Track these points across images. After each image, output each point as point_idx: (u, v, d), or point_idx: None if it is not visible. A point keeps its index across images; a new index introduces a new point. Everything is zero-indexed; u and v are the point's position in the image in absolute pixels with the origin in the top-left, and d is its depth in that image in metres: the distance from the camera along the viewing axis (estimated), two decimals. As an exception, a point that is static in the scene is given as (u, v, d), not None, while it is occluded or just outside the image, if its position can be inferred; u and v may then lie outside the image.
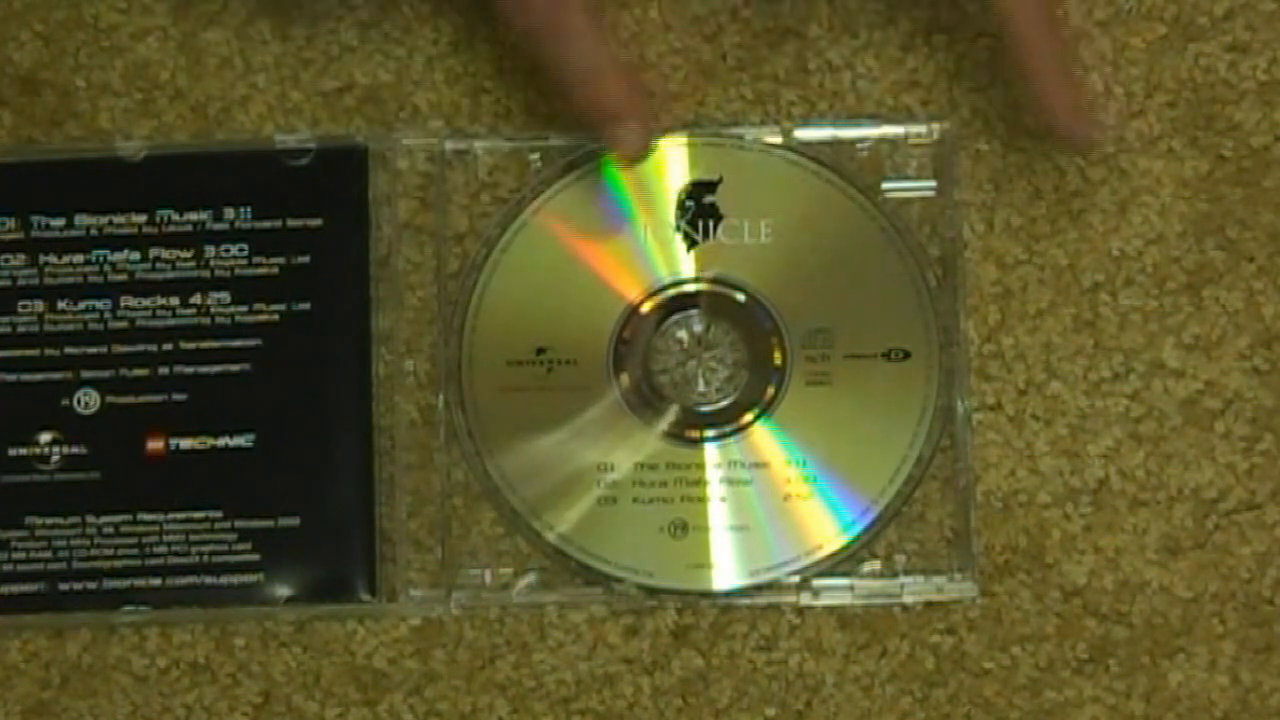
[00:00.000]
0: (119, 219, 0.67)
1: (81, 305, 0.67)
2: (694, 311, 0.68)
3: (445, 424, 0.67)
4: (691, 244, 0.67)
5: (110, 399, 0.67)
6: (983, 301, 0.68)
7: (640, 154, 0.65)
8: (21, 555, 0.66)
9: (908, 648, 0.67)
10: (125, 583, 0.66)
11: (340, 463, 0.67)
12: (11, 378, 0.67)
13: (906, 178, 0.68)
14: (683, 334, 0.68)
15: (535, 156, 0.68)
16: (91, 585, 0.66)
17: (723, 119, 0.69)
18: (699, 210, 0.67)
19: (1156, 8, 0.69)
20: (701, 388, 0.68)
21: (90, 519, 0.66)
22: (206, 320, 0.67)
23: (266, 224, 0.67)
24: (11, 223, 0.68)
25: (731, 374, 0.68)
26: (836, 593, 0.66)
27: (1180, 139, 0.68)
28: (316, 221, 0.68)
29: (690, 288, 0.67)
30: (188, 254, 0.67)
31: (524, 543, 0.67)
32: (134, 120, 0.69)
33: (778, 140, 0.68)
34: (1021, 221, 0.68)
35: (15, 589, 0.66)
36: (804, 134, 0.68)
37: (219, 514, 0.66)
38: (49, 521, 0.66)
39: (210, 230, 0.67)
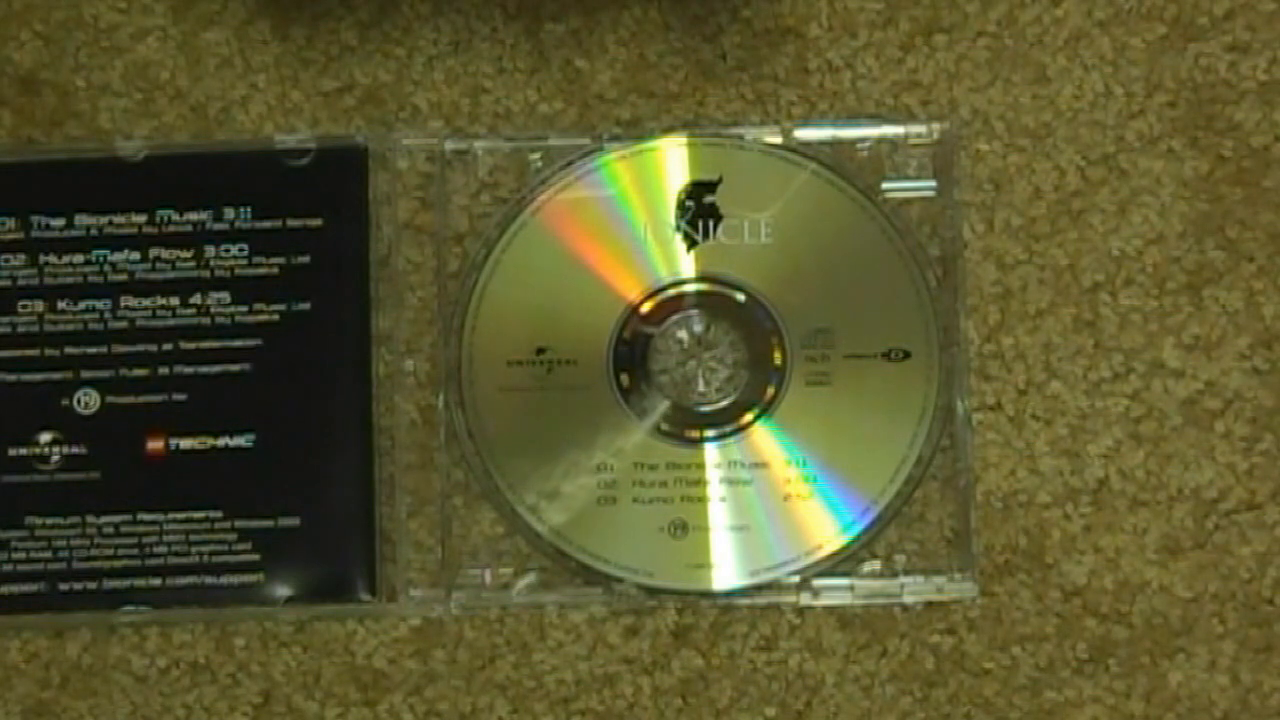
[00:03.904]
0: (119, 219, 0.67)
1: (81, 305, 0.67)
2: (694, 311, 0.68)
3: (445, 424, 0.67)
4: (691, 244, 0.67)
5: (110, 399, 0.67)
6: (983, 301, 0.68)
7: None
8: (21, 555, 0.66)
9: (908, 648, 0.67)
10: (125, 583, 0.66)
11: (340, 463, 0.67)
12: (11, 378, 0.67)
13: (906, 178, 0.68)
14: (683, 334, 0.68)
15: (535, 156, 0.68)
16: (91, 585, 0.66)
17: (723, 119, 0.69)
18: (699, 210, 0.67)
19: (1156, 8, 0.69)
20: (701, 388, 0.68)
21: (90, 519, 0.66)
22: (206, 320, 0.67)
23: (266, 224, 0.67)
24: (11, 223, 0.68)
25: (731, 374, 0.68)
26: (836, 593, 0.66)
27: (1180, 139, 0.68)
28: (316, 221, 0.68)
29: (690, 288, 0.67)
30: (188, 254, 0.67)
31: (524, 543, 0.67)
32: (134, 120, 0.69)
33: (778, 140, 0.68)
34: (1021, 221, 0.68)
35: (15, 589, 0.66)
36: (804, 134, 0.68)
37: (219, 514, 0.66)
38: (49, 521, 0.66)
39: (210, 230, 0.67)
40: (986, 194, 0.68)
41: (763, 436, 0.67)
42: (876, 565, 0.67)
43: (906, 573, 0.66)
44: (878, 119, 0.68)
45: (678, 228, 0.67)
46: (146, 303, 0.67)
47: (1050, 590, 0.67)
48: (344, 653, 0.67)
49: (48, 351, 0.67)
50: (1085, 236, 0.68)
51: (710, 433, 0.67)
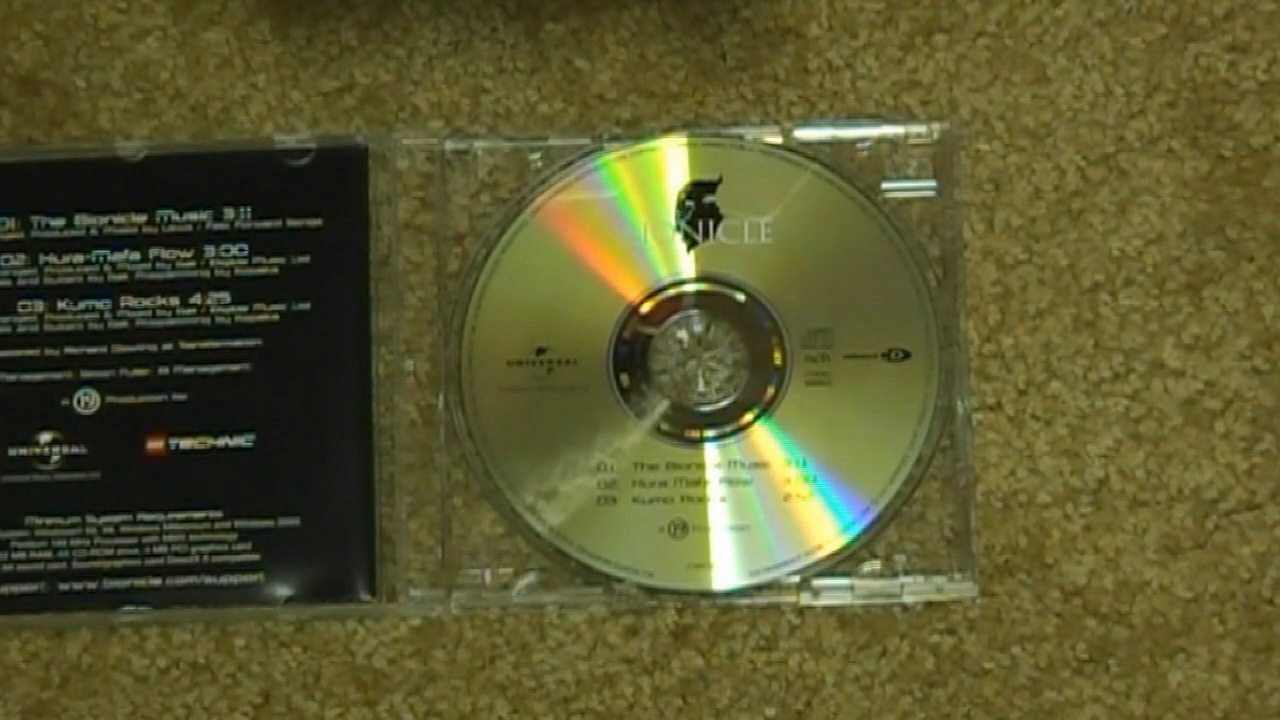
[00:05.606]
0: (119, 219, 0.67)
1: (81, 305, 0.67)
2: (694, 311, 0.68)
3: (445, 424, 0.67)
4: (691, 244, 0.67)
5: (110, 399, 0.67)
6: (983, 301, 0.68)
7: None
8: (21, 555, 0.66)
9: (908, 648, 0.67)
10: (125, 583, 0.66)
11: (340, 463, 0.67)
12: (11, 378, 0.67)
13: (906, 178, 0.68)
14: (683, 334, 0.68)
15: (535, 156, 0.68)
16: (91, 585, 0.66)
17: (723, 119, 0.69)
18: (699, 210, 0.67)
19: (1156, 8, 0.69)
20: (701, 388, 0.68)
21: (90, 519, 0.66)
22: (206, 320, 0.67)
23: (266, 224, 0.67)
24: (11, 223, 0.68)
25: (731, 374, 0.68)
26: (836, 593, 0.66)
27: (1180, 139, 0.68)
28: (316, 221, 0.68)
29: (690, 288, 0.67)
30: (188, 254, 0.67)
31: (524, 543, 0.67)
32: (134, 120, 0.69)
33: (778, 140, 0.68)
34: (1021, 221, 0.68)
35: (15, 589, 0.66)
36: (804, 134, 0.68)
37: (219, 514, 0.66)
38: (49, 521, 0.66)
39: (210, 230, 0.67)
40: (986, 194, 0.68)
41: (763, 436, 0.67)
42: (876, 565, 0.67)
43: (906, 573, 0.66)
44: (878, 119, 0.68)
45: (678, 228, 0.67)
46: (146, 303, 0.67)
47: (1050, 590, 0.67)
48: (344, 653, 0.67)
49: (48, 351, 0.67)
50: (1085, 236, 0.68)
51: (710, 433, 0.67)
